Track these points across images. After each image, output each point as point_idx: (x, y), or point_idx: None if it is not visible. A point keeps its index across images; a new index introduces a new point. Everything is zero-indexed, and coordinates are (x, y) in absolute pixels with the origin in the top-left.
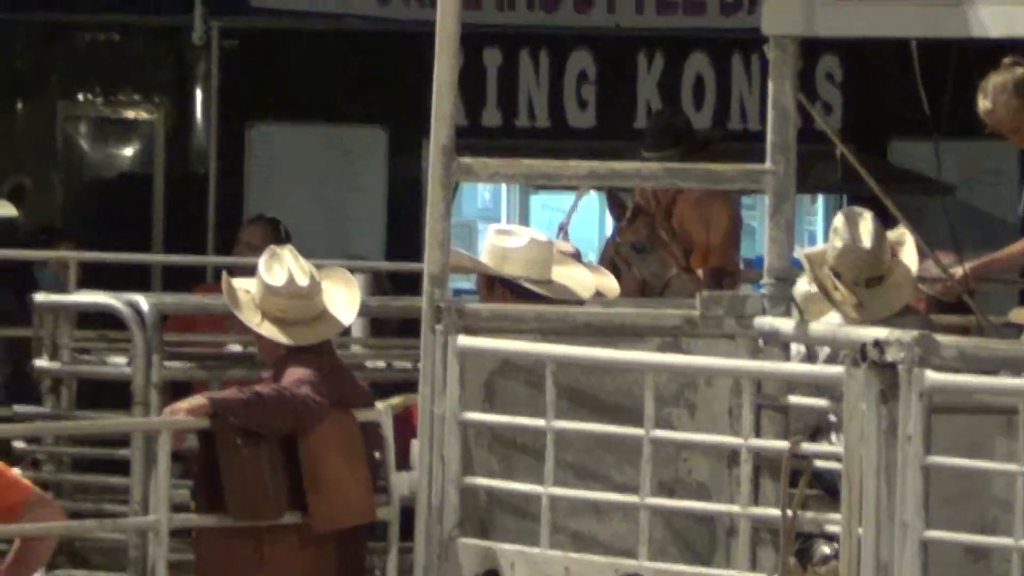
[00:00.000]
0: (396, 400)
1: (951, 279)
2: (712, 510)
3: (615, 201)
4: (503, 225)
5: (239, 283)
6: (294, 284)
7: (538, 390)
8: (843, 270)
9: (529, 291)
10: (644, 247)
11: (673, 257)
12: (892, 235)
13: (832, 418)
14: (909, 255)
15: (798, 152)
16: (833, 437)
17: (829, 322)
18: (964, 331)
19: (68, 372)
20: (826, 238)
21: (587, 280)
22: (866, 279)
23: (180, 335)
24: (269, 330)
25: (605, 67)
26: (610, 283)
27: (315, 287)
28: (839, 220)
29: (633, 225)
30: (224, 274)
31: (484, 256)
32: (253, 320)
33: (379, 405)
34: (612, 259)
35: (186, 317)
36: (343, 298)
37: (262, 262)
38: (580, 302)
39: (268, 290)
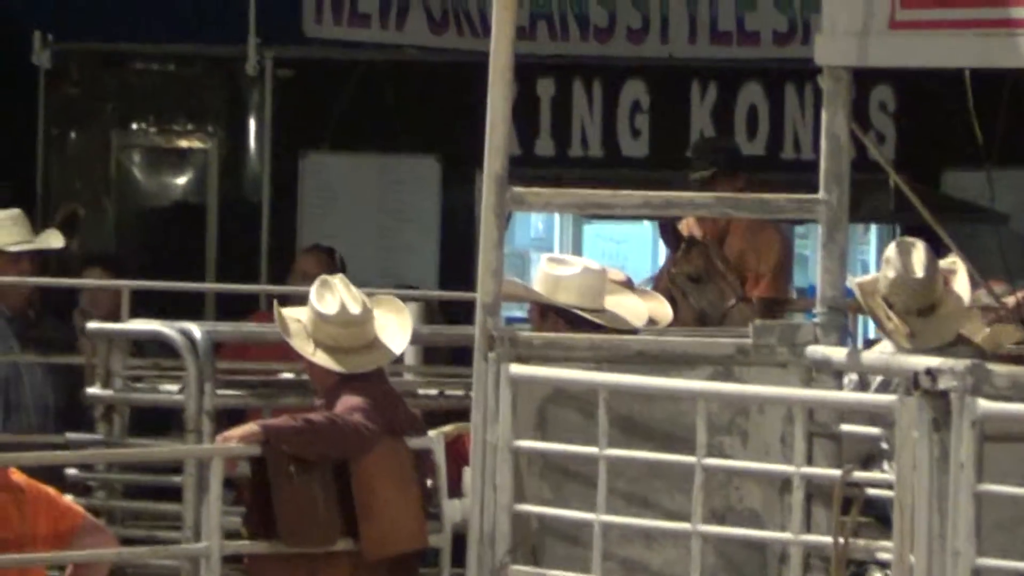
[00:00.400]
0: (449, 428)
1: (1004, 308)
2: (764, 537)
3: (670, 231)
4: (556, 254)
5: (290, 312)
6: (346, 312)
7: (590, 418)
8: (895, 299)
9: (582, 319)
10: (701, 277)
11: (730, 287)
12: (944, 264)
13: (884, 446)
14: (961, 284)
15: (851, 182)
16: (885, 465)
17: (882, 351)
18: (1019, 360)
19: (121, 399)
20: (878, 267)
21: (639, 309)
22: (918, 308)
23: (233, 363)
24: (322, 358)
25: (658, 97)
26: (663, 309)
27: (367, 315)
28: (891, 250)
29: (688, 255)
30: (275, 304)
31: (537, 285)
32: (306, 349)
33: (432, 433)
34: (668, 289)
35: (239, 345)
36: (395, 326)
37: (314, 291)
38: (633, 331)
39: (320, 318)
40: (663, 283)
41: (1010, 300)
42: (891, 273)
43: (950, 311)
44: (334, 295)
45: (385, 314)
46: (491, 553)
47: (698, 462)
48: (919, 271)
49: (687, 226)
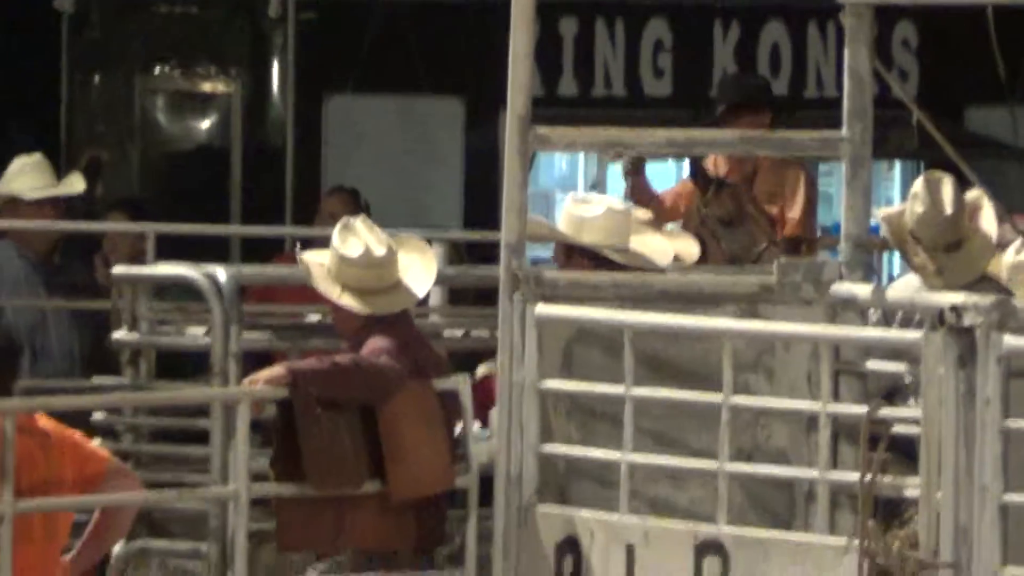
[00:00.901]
0: (481, 369)
1: None
2: (791, 475)
3: (700, 173)
4: (580, 194)
5: (313, 256)
6: (371, 254)
7: (616, 358)
8: (923, 235)
9: (607, 259)
10: (733, 220)
11: (762, 230)
12: (969, 198)
13: (907, 380)
14: (987, 220)
15: (874, 119)
16: (911, 400)
17: (907, 286)
18: None
19: (147, 343)
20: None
21: (664, 247)
22: (945, 244)
23: (259, 306)
24: (348, 301)
25: (681, 36)
26: (688, 247)
27: (391, 256)
28: (919, 185)
29: (719, 197)
30: (297, 248)
31: (561, 225)
32: (332, 291)
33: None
34: (698, 230)
35: (265, 288)
36: (419, 267)
37: (336, 234)
38: (659, 270)
39: (344, 261)
40: (693, 224)
41: None
42: (919, 208)
43: (977, 247)
44: (358, 237)
45: (409, 255)
46: (518, 493)
47: (724, 400)
48: (948, 207)
49: (713, 164)
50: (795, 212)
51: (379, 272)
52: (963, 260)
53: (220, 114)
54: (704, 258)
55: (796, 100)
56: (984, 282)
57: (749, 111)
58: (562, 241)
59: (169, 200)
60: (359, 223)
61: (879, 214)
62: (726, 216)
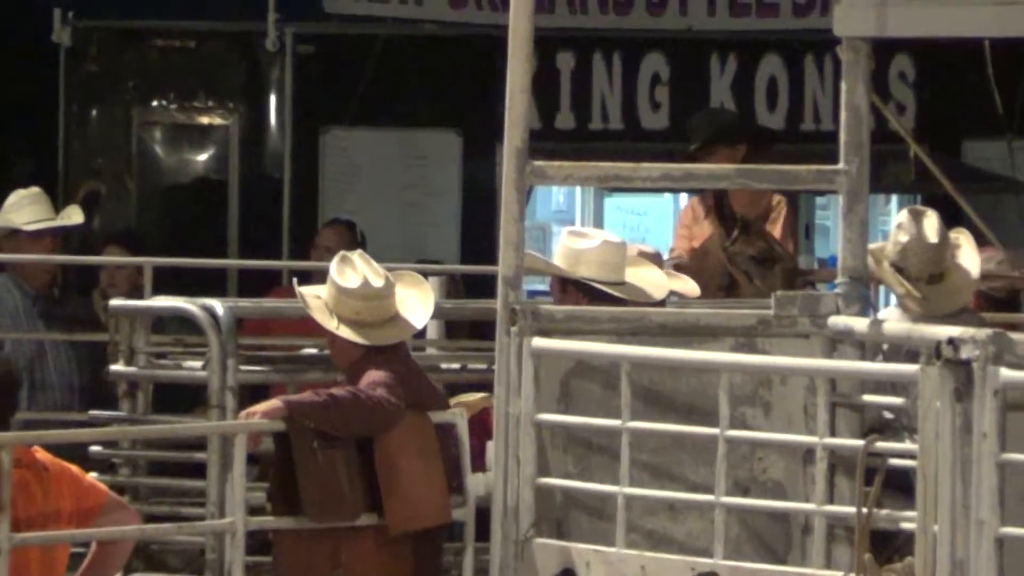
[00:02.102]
0: (475, 397)
1: (1019, 275)
2: (788, 508)
3: (726, 213)
4: (577, 227)
5: (309, 290)
6: (369, 286)
7: (613, 391)
8: (907, 264)
9: (602, 292)
10: (766, 259)
11: (793, 269)
12: (951, 235)
13: (887, 415)
14: (967, 257)
15: (871, 152)
16: (906, 434)
17: (889, 318)
18: (1012, 328)
19: (144, 376)
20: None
21: (660, 280)
22: (929, 275)
23: (256, 339)
24: (346, 332)
25: (678, 69)
26: (690, 286)
27: (389, 288)
28: (904, 216)
29: (748, 237)
30: (294, 281)
31: (557, 258)
32: (330, 324)
33: (459, 399)
34: (725, 268)
35: (262, 321)
36: (416, 300)
37: (334, 267)
38: (655, 303)
39: (343, 293)
40: (714, 262)
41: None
42: (904, 238)
43: (958, 280)
44: (355, 270)
45: (406, 289)
46: (515, 526)
47: (721, 434)
48: (932, 237)
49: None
50: (789, 240)
51: (377, 304)
52: (945, 292)
53: (217, 147)
54: (735, 295)
55: (793, 133)
56: (965, 314)
57: (724, 145)
58: (558, 274)
59: (166, 233)
60: (356, 256)
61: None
62: (759, 255)
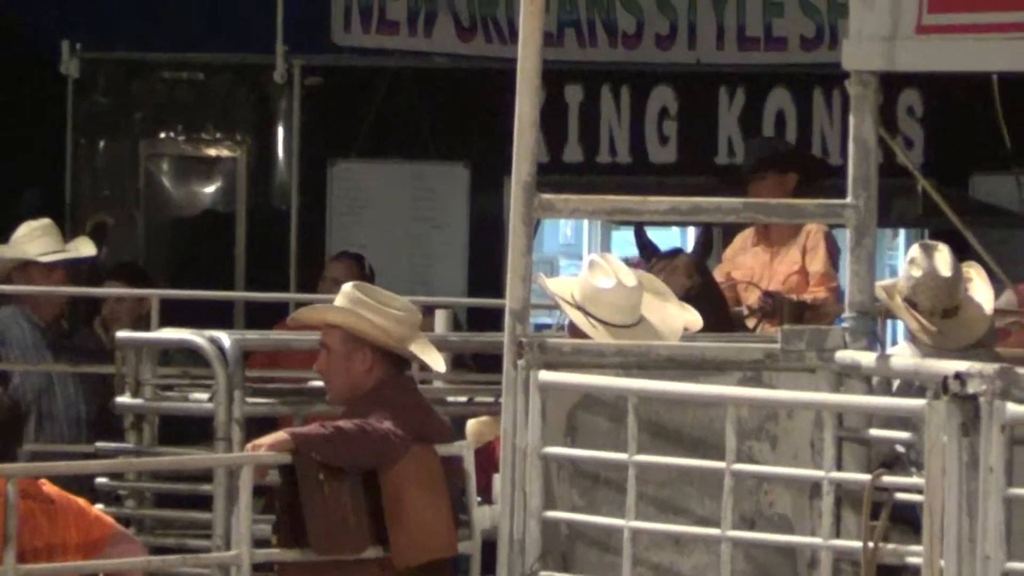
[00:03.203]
0: (484, 419)
1: None
2: (794, 542)
3: (768, 295)
4: (598, 257)
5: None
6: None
7: (620, 424)
8: (920, 299)
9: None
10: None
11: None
12: (962, 268)
13: (900, 449)
14: (980, 290)
15: (879, 186)
16: (913, 469)
17: (901, 353)
18: None
19: (151, 408)
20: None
21: (676, 323)
22: (943, 309)
23: (264, 371)
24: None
25: (686, 103)
26: (694, 319)
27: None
28: (916, 251)
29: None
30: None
31: (577, 290)
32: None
33: (474, 422)
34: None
35: (270, 353)
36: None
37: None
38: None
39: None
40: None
41: None
42: (917, 273)
43: (972, 314)
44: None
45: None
46: (521, 559)
47: (727, 467)
48: (945, 271)
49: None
50: (817, 266)
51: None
52: (959, 326)
53: (225, 179)
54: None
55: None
56: (979, 349)
57: (775, 171)
58: (570, 312)
59: (173, 264)
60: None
61: (877, 286)
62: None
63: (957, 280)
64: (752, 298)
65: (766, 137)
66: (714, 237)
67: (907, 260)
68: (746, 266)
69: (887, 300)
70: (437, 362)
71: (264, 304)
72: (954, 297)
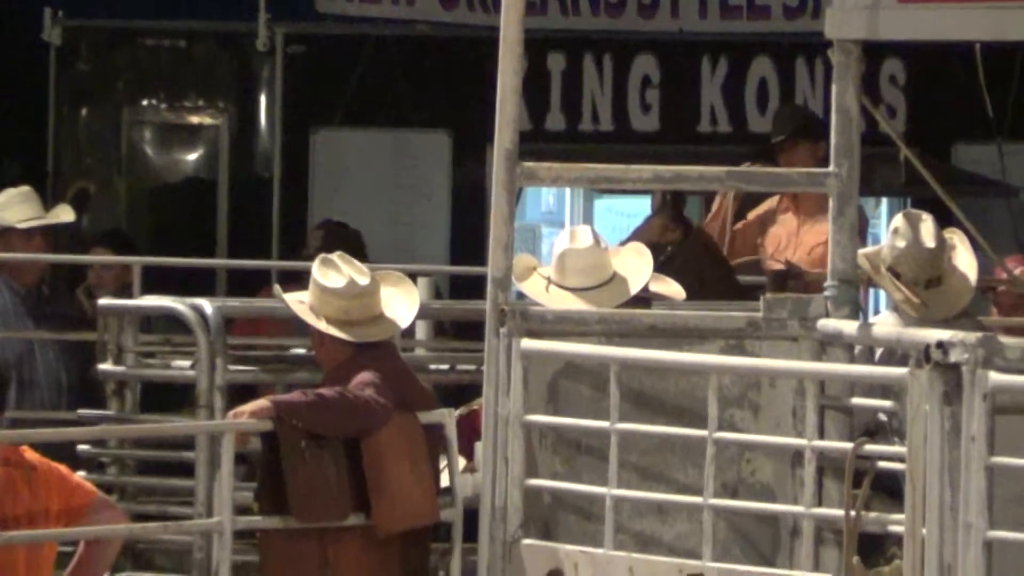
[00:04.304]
0: (464, 409)
1: (1016, 281)
2: (776, 510)
3: (782, 273)
4: (564, 231)
5: (292, 296)
6: (355, 284)
7: (602, 392)
8: (904, 269)
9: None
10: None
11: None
12: (945, 236)
13: (882, 417)
14: (963, 258)
15: (862, 155)
16: (896, 437)
17: (884, 325)
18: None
19: (132, 375)
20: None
21: (642, 267)
22: (927, 279)
23: (246, 339)
24: (334, 330)
25: (669, 71)
26: (674, 289)
27: (374, 286)
28: (900, 221)
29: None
30: (276, 286)
31: (552, 264)
32: (318, 323)
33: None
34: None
35: (252, 321)
36: (401, 299)
37: (316, 269)
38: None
39: (328, 293)
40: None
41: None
42: (901, 243)
43: (956, 284)
44: (339, 270)
45: (390, 288)
46: (503, 527)
47: (710, 435)
48: (929, 241)
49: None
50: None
51: (363, 302)
52: (943, 296)
53: (207, 147)
54: None
55: None
56: (964, 318)
57: (807, 140)
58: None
59: (155, 232)
60: (337, 257)
61: (860, 254)
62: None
63: (941, 250)
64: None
65: (796, 105)
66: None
67: (891, 230)
68: (774, 235)
69: (870, 270)
70: (352, 337)
71: (246, 271)
72: (937, 268)
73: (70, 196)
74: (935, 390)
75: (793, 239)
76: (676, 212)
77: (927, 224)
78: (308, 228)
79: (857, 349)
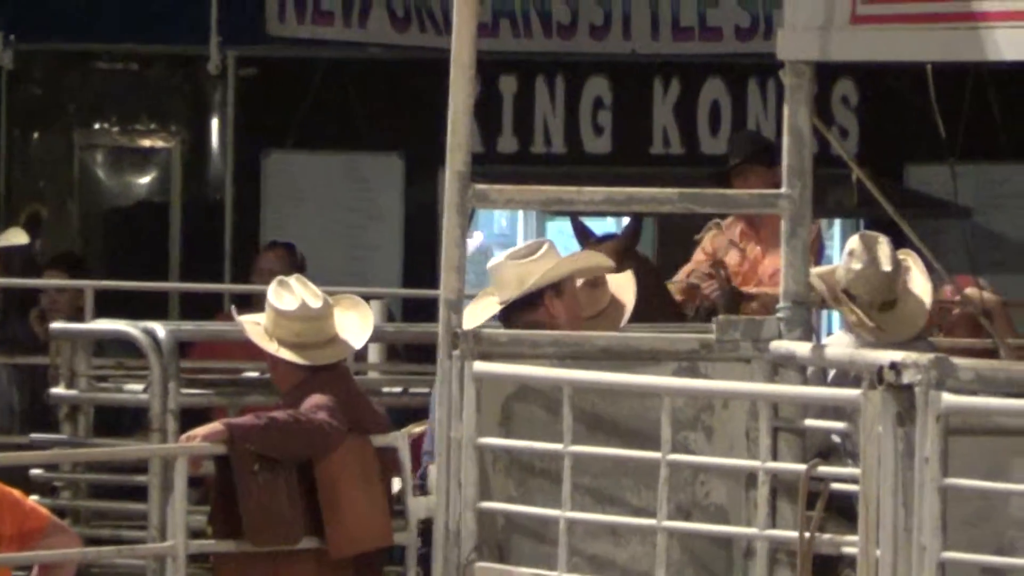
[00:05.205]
0: (416, 429)
1: (968, 303)
2: (730, 532)
3: (731, 290)
4: (498, 253)
5: (248, 318)
6: (307, 307)
7: (555, 414)
8: (860, 292)
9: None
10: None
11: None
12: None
13: (836, 439)
14: (917, 281)
15: (814, 176)
16: (849, 459)
17: (838, 345)
18: (982, 354)
19: (85, 399)
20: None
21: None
22: (881, 302)
23: (198, 362)
24: (286, 353)
25: (621, 93)
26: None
27: (327, 309)
28: (856, 243)
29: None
30: (232, 309)
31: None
32: (269, 346)
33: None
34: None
35: (208, 344)
36: (355, 322)
37: (271, 292)
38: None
39: (281, 315)
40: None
41: (972, 293)
42: (857, 266)
43: (910, 307)
44: (293, 292)
45: (345, 311)
46: (457, 550)
47: (663, 458)
48: (886, 265)
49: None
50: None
51: (316, 325)
52: (898, 319)
53: (160, 170)
54: None
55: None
56: (919, 341)
57: (762, 166)
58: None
59: (108, 256)
60: (293, 279)
61: (813, 273)
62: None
63: (896, 274)
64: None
65: (751, 131)
66: (642, 228)
67: (846, 251)
68: (731, 263)
69: (825, 291)
70: (305, 360)
71: (199, 295)
72: (892, 291)
73: (23, 219)
74: (888, 411)
75: (756, 267)
76: (628, 246)
77: (883, 247)
78: (260, 250)
79: (810, 370)
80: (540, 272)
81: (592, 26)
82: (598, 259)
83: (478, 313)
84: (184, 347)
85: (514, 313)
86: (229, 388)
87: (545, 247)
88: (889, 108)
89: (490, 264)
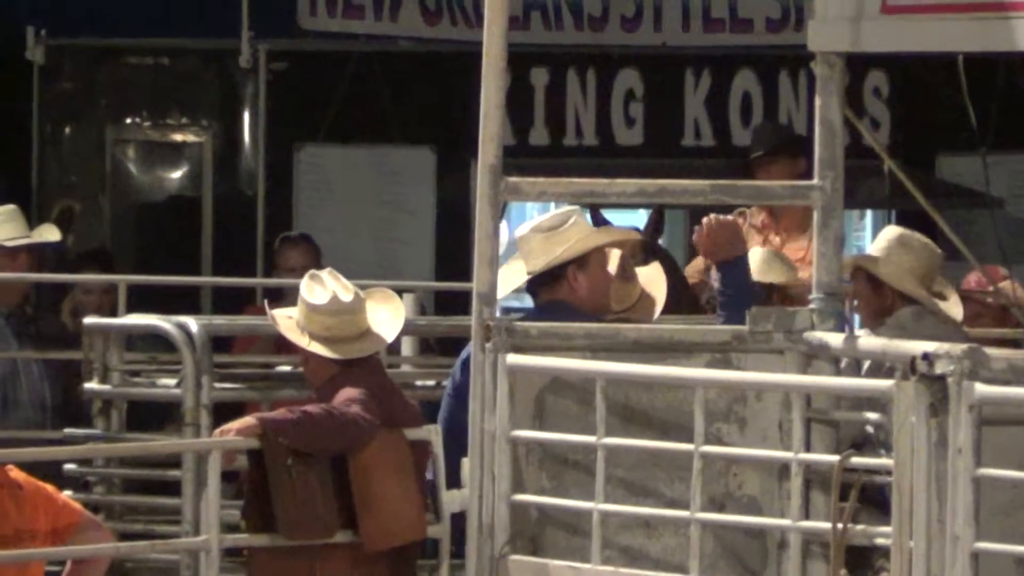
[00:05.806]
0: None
1: (998, 292)
2: (763, 524)
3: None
4: (516, 231)
5: (280, 312)
6: (338, 301)
7: (588, 407)
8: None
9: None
10: None
11: None
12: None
13: (869, 429)
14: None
15: (846, 168)
16: (883, 449)
17: (870, 334)
18: (1013, 344)
19: (118, 394)
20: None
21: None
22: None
23: (231, 357)
24: (317, 347)
25: (652, 85)
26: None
27: (359, 303)
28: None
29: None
30: (266, 303)
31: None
32: (301, 340)
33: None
34: None
35: (245, 339)
36: (387, 315)
37: (304, 285)
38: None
39: (313, 310)
40: None
41: (1006, 286)
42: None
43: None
44: (324, 286)
45: (376, 304)
46: (490, 543)
47: (696, 449)
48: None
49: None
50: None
51: (348, 319)
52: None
53: (191, 164)
54: None
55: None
56: (953, 332)
57: (786, 156)
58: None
59: (140, 250)
60: (326, 273)
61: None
62: None
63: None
64: None
65: (775, 122)
66: (665, 219)
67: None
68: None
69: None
70: (337, 354)
71: (231, 289)
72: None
73: (55, 215)
74: (921, 402)
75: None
76: (648, 241)
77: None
78: (276, 246)
79: (843, 361)
80: (565, 245)
81: (623, 18)
82: (623, 233)
83: (507, 279)
84: (223, 341)
85: (539, 286)
86: (262, 382)
87: (573, 219)
88: (920, 99)
89: (517, 233)
